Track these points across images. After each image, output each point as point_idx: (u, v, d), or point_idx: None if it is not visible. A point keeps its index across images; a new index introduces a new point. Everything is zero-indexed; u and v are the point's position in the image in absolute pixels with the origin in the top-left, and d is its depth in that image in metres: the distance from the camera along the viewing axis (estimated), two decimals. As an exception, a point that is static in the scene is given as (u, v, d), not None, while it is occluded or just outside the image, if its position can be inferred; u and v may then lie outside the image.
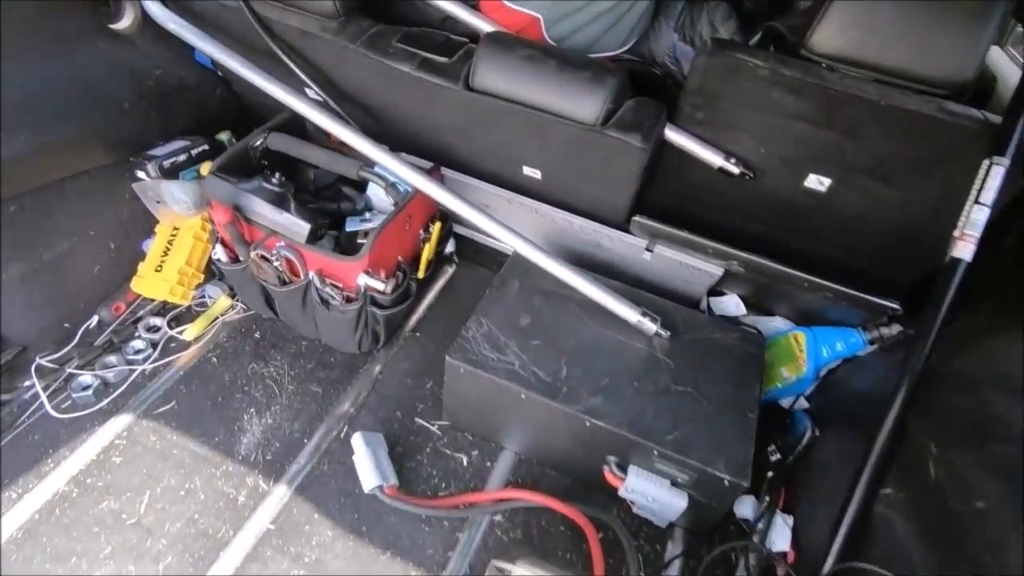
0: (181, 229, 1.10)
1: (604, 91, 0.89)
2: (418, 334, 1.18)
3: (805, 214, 1.05)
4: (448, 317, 1.21)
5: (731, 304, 1.17)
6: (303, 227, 0.94)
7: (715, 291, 1.18)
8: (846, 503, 0.79)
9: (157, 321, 1.12)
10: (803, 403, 1.10)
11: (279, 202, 0.95)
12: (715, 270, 1.04)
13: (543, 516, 0.96)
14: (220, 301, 1.16)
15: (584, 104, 0.90)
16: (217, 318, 1.15)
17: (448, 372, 0.94)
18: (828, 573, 0.75)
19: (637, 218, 1.03)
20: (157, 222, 1.12)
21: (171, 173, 1.06)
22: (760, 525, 0.93)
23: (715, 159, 1.02)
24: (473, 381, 0.92)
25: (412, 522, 0.92)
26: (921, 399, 0.80)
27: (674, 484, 0.88)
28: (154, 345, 1.09)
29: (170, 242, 1.09)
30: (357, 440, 0.95)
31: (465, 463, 1.01)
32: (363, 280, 0.96)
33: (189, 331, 1.10)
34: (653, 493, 0.87)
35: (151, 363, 1.07)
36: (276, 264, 0.96)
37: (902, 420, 0.79)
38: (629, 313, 0.97)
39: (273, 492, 0.93)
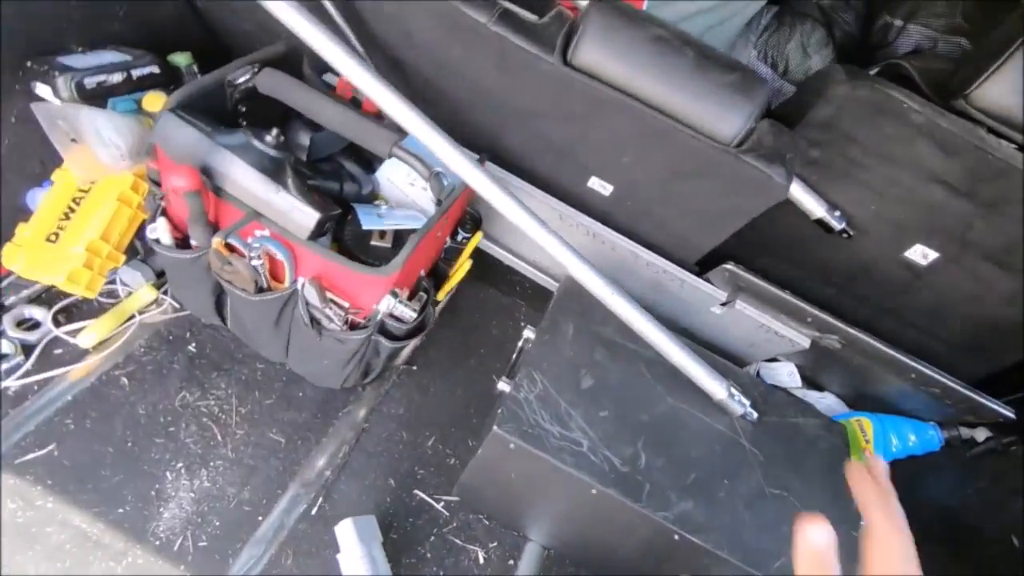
0: (99, 185, 0.73)
1: (751, 106, 0.68)
2: (414, 368, 0.90)
3: (890, 286, 0.91)
4: (451, 347, 0.95)
5: (784, 373, 1.02)
6: (309, 215, 0.64)
7: (768, 356, 1.02)
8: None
9: (36, 313, 0.75)
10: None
11: (274, 173, 0.64)
12: (801, 341, 0.87)
13: (581, 641, 0.73)
14: (139, 293, 0.81)
15: (724, 117, 0.68)
16: (132, 317, 0.80)
17: (490, 446, 0.68)
18: None
19: (728, 266, 0.83)
20: (57, 166, 0.75)
21: (94, 98, 0.71)
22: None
23: (817, 208, 0.85)
24: (523, 462, 0.67)
25: (413, 652, 0.66)
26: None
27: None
28: (27, 350, 0.72)
29: (76, 200, 0.73)
30: (346, 530, 0.66)
31: (482, 560, 0.75)
32: (388, 304, 0.67)
33: (88, 333, 0.75)
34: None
35: (18, 378, 0.70)
36: (256, 263, 0.65)
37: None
38: (716, 387, 0.77)
39: (208, 604, 0.63)
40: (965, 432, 0.90)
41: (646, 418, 0.74)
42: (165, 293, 0.83)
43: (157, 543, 0.64)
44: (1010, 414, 0.80)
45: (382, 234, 0.75)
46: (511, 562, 0.76)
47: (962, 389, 0.81)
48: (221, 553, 0.65)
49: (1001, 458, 0.84)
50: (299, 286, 0.68)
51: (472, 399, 0.89)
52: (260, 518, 0.69)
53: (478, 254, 1.06)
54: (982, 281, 0.85)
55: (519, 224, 0.73)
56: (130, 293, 0.81)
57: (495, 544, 0.77)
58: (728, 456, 0.75)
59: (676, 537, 0.66)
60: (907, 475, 0.94)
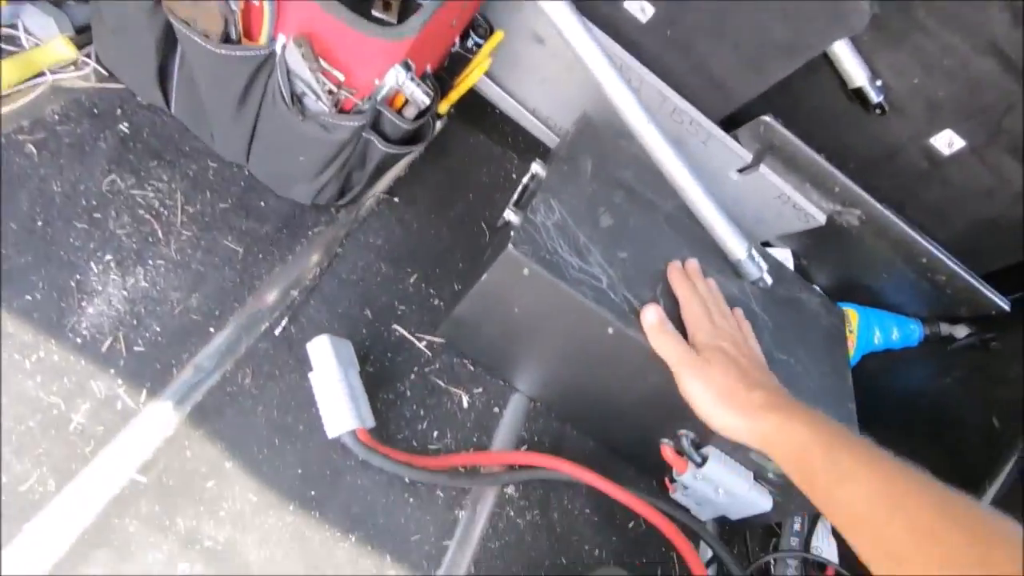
0: None
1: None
2: (396, 200, 0.78)
3: (904, 176, 0.87)
4: (437, 187, 0.83)
5: (781, 260, 0.98)
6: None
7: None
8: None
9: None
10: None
11: None
12: (818, 215, 0.82)
13: (564, 492, 0.69)
14: (51, 45, 0.62)
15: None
16: (43, 74, 0.62)
17: (499, 271, 0.59)
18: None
19: (767, 118, 0.75)
20: None
21: None
22: (796, 529, 0.78)
23: (859, 75, 0.78)
24: (534, 293, 0.59)
25: (390, 488, 0.58)
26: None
27: (757, 478, 0.67)
28: None
29: None
30: (321, 347, 0.56)
31: (466, 404, 0.68)
32: (396, 77, 0.54)
33: (-22, 80, 0.57)
34: (730, 486, 0.65)
35: None
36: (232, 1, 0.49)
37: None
38: (737, 246, 0.71)
39: (145, 414, 0.51)
40: (945, 328, 0.91)
41: (663, 268, 0.67)
42: (89, 57, 0.65)
43: (79, 340, 0.51)
44: (1005, 306, 0.81)
45: (386, 5, 0.60)
46: (496, 409, 0.69)
47: (968, 277, 0.80)
48: (163, 362, 0.54)
49: (980, 352, 0.86)
50: (279, 47, 0.53)
51: (458, 244, 0.79)
52: (212, 330, 0.57)
53: (471, 96, 0.92)
54: (1000, 176, 0.82)
55: (554, 16, 0.60)
56: (36, 44, 0.62)
57: (480, 390, 0.69)
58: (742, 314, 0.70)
59: (689, 386, 0.60)
60: (886, 366, 0.95)
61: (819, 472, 0.45)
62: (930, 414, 0.79)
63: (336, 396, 0.54)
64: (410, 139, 0.65)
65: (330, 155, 0.60)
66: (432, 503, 0.60)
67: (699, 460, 0.65)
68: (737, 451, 0.65)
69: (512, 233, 0.57)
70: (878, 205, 0.77)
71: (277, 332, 0.60)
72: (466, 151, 0.89)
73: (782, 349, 0.70)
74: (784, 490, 0.66)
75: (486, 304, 0.63)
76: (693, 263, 0.67)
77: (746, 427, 0.52)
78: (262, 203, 0.68)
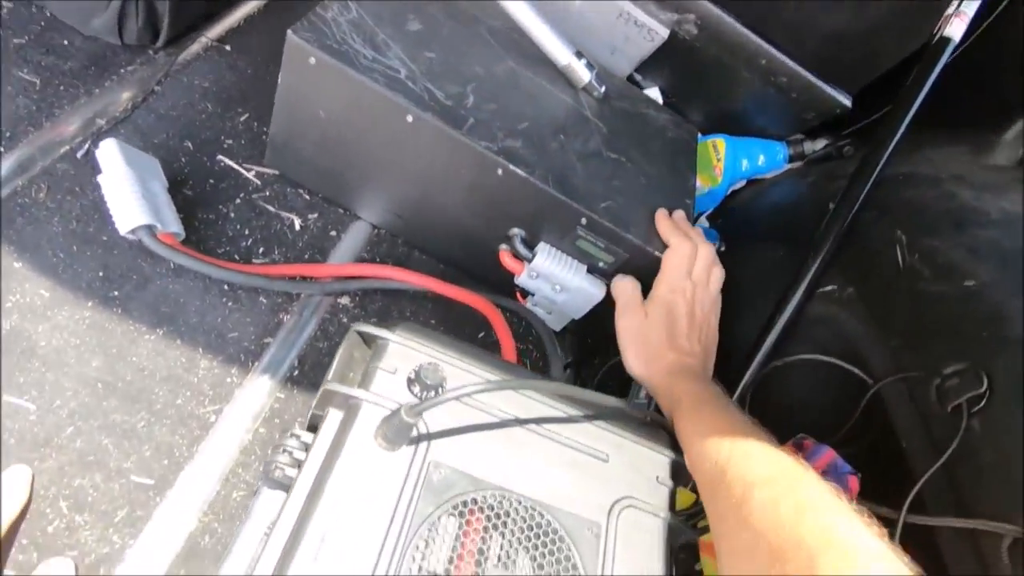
0: None
1: None
2: (228, 47, 0.77)
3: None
4: (278, 39, 0.81)
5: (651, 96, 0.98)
6: None
7: (631, 80, 0.97)
8: (780, 304, 0.68)
9: None
10: (703, 223, 0.98)
11: None
12: (660, 30, 0.81)
13: (407, 305, 0.70)
14: None
15: None
16: None
17: (288, 67, 0.58)
18: (758, 370, 0.64)
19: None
20: None
21: None
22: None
23: None
24: (329, 85, 0.58)
25: (206, 293, 0.59)
26: (876, 196, 0.70)
27: (590, 270, 0.68)
28: None
29: None
30: (109, 149, 0.55)
31: (298, 227, 0.68)
32: None
33: None
34: (563, 279, 0.66)
35: None
36: None
37: (850, 219, 0.69)
38: (561, 51, 0.70)
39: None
40: (808, 147, 0.92)
41: (480, 71, 0.67)
42: None
43: None
44: (846, 101, 0.81)
45: None
46: (333, 233, 0.69)
47: (807, 75, 0.80)
48: (-58, 176, 0.53)
49: (836, 160, 0.87)
50: None
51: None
52: (1, 149, 0.57)
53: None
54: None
55: None
56: None
57: (316, 215, 0.69)
58: (568, 119, 0.70)
59: (500, 172, 0.61)
60: (751, 195, 0.97)
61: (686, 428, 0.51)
62: (791, 227, 0.81)
63: (126, 195, 0.54)
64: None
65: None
66: (254, 308, 0.60)
67: (530, 256, 0.66)
68: (565, 242, 0.66)
69: (299, 23, 0.56)
70: (710, 4, 0.77)
71: (79, 155, 0.60)
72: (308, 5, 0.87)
73: (612, 149, 0.71)
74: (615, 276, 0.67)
75: (292, 114, 0.63)
76: (680, 213, 0.67)
77: (646, 376, 0.60)
78: (66, 42, 0.66)
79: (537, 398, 0.49)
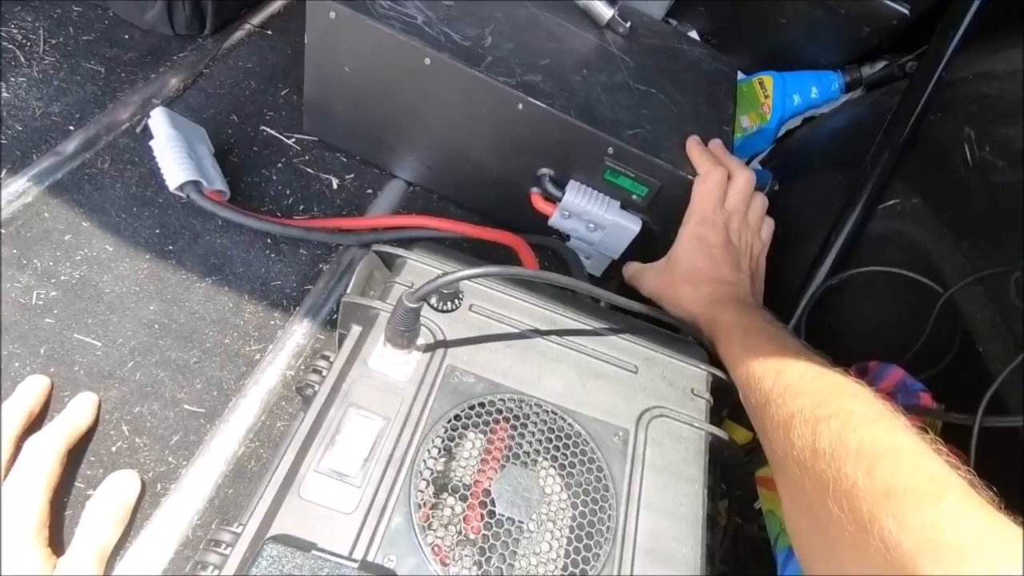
0: None
1: None
2: (269, 32, 0.82)
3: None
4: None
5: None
6: None
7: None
8: (839, 220, 0.63)
9: None
10: (756, 166, 0.92)
11: None
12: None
13: (444, 256, 0.70)
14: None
15: None
16: (-90, -56, 0.69)
17: (311, 25, 0.61)
18: (818, 287, 0.59)
19: None
20: None
21: None
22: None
23: None
24: (349, 37, 0.60)
25: (250, 246, 0.62)
26: (939, 99, 0.63)
27: (624, 205, 0.66)
28: None
29: None
30: (159, 117, 0.60)
31: (336, 186, 0.71)
32: None
33: None
34: (596, 216, 0.65)
35: None
36: None
37: (912, 124, 0.63)
38: (580, -13, 0.70)
39: (3, 190, 0.57)
40: (866, 71, 0.85)
41: (500, 15, 0.67)
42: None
43: (-57, 134, 0.58)
44: (903, 9, 0.74)
45: None
46: (370, 191, 0.72)
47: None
48: (24, 151, 0.60)
49: (900, 79, 0.79)
50: None
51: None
52: (72, 128, 0.63)
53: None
54: None
55: None
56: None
57: (352, 176, 0.72)
58: (592, 55, 0.69)
59: (520, 106, 0.60)
60: (809, 130, 0.90)
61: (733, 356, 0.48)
62: (850, 152, 0.75)
63: (174, 155, 0.58)
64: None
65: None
66: (296, 259, 0.63)
67: (560, 195, 0.65)
68: (595, 178, 0.65)
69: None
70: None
71: (137, 131, 0.66)
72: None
73: (641, 82, 0.69)
74: (655, 206, 0.65)
75: (321, 74, 0.65)
76: (716, 142, 0.65)
77: (686, 314, 0.57)
78: (127, 36, 0.73)
79: (561, 311, 0.48)
